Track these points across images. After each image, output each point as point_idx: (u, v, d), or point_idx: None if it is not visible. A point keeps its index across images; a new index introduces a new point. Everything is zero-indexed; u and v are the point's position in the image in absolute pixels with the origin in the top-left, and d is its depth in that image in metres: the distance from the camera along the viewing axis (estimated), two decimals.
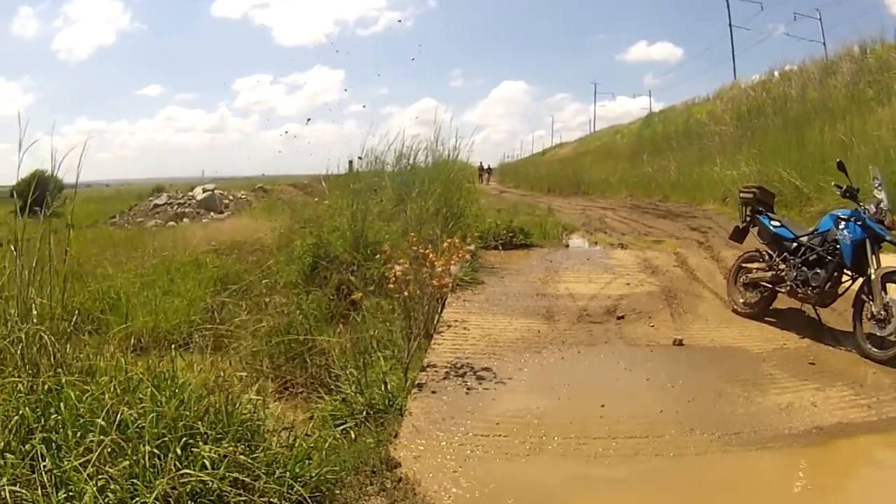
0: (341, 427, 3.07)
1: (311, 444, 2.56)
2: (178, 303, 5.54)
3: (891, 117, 12.91)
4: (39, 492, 1.78)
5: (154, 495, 1.83)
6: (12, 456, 1.91)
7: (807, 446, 3.46)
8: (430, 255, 4.31)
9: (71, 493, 1.80)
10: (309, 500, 2.27)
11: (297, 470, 2.34)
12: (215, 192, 16.69)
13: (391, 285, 4.21)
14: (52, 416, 2.09)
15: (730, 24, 34.34)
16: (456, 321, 5.14)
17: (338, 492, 2.45)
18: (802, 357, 4.90)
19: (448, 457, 3.02)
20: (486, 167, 38.81)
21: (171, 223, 12.30)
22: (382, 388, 3.53)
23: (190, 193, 16.93)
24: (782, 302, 5.86)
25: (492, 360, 4.32)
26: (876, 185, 5.41)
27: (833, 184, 5.86)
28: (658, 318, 5.66)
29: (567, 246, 9.99)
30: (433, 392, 3.74)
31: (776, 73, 23.52)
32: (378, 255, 5.25)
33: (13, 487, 1.81)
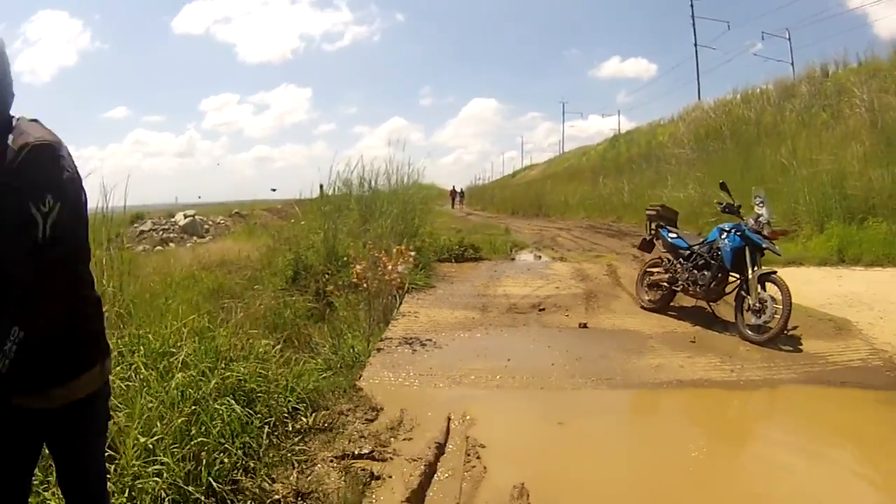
0: (323, 375, 4.37)
1: (302, 371, 3.92)
2: (186, 305, 6.73)
3: (834, 141, 13.67)
4: (146, 373, 3.04)
5: (211, 385, 3.13)
6: (120, 367, 3.16)
7: (664, 389, 4.57)
8: (384, 258, 5.75)
9: (163, 377, 3.08)
10: (303, 402, 3.62)
11: (294, 382, 3.69)
12: (196, 217, 17.78)
13: (354, 279, 5.63)
14: (140, 351, 3.35)
15: (695, 44, 33.61)
16: (409, 312, 6.50)
17: (320, 400, 3.79)
18: (686, 337, 5.99)
19: (392, 385, 4.40)
20: (458, 190, 38.74)
21: (159, 247, 13.25)
22: (351, 351, 4.88)
23: (172, 219, 17.81)
24: (689, 301, 6.96)
25: (433, 335, 5.68)
26: (757, 202, 6.36)
27: (715, 201, 7.03)
28: (574, 311, 6.88)
29: (513, 259, 11.28)
30: (387, 353, 5.11)
31: (738, 95, 23.66)
32: (348, 264, 6.47)
33: (128, 382, 3.07)
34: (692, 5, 33.17)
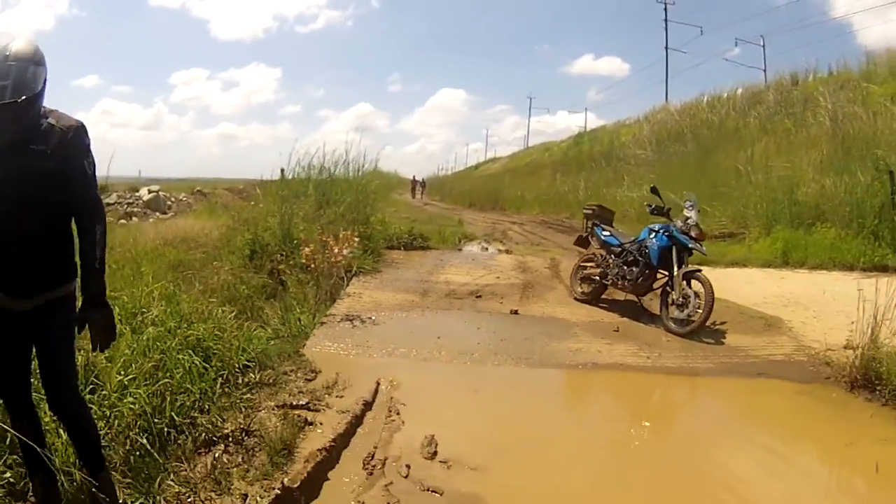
0: (272, 341, 4.96)
1: (253, 336, 4.54)
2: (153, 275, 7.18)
3: (793, 148, 14.01)
4: (122, 327, 3.60)
5: (174, 342, 3.72)
6: None
7: (577, 370, 5.10)
8: (331, 242, 6.39)
9: (135, 332, 3.65)
10: (252, 361, 4.24)
11: (245, 344, 4.30)
12: (160, 193, 18.02)
13: (304, 260, 6.25)
14: (116, 310, 3.90)
15: (666, 47, 33.99)
16: (355, 293, 7.13)
17: (268, 361, 4.41)
18: (611, 327, 6.42)
19: (331, 354, 5.05)
20: (419, 180, 38.40)
21: (123, 221, 13.50)
22: (298, 324, 5.50)
23: (137, 194, 18.01)
24: (622, 295, 7.38)
25: (374, 314, 6.32)
26: (687, 206, 6.72)
27: (645, 204, 7.52)
28: (509, 299, 7.41)
29: (460, 250, 11.88)
30: (330, 327, 5.75)
31: (705, 99, 23.94)
32: (300, 246, 7.01)
33: None
34: (665, 8, 33.61)
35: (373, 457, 3.31)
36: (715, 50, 75.71)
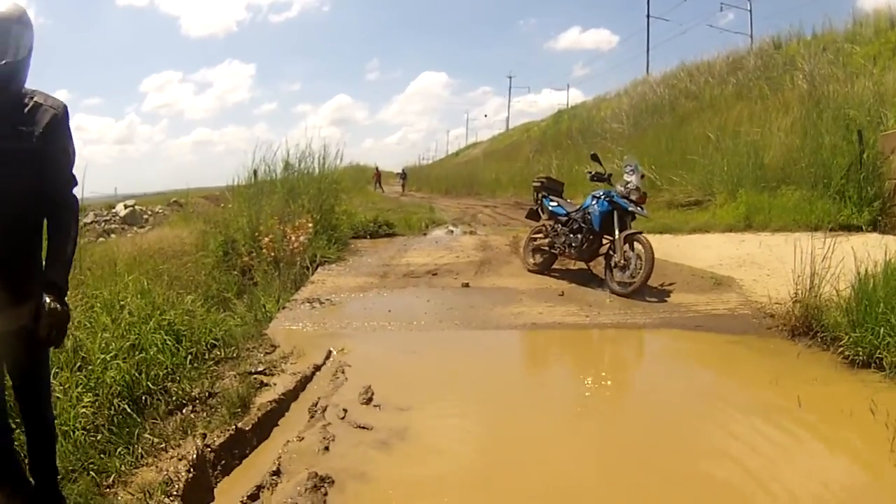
0: (237, 326, 5.64)
1: (220, 320, 5.24)
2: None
3: (766, 113, 14.09)
4: (103, 317, 4.26)
5: (151, 325, 4.39)
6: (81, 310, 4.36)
7: (516, 330, 5.65)
8: (288, 230, 7.09)
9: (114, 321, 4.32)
10: (219, 341, 4.94)
11: (212, 327, 5.00)
12: (136, 207, 18.59)
13: (264, 249, 6.95)
14: (96, 306, 4.57)
15: (647, 15, 33.98)
16: (318, 280, 7.79)
17: (233, 341, 5.11)
18: (557, 292, 6.87)
19: (291, 332, 5.73)
20: (401, 172, 37.84)
21: (102, 238, 13.97)
22: (263, 310, 6.19)
23: (113, 210, 18.54)
24: (579, 265, 7.83)
25: (333, 296, 6.99)
26: (627, 170, 7.03)
27: (586, 171, 8.02)
28: (464, 275, 7.95)
29: (425, 235, 12.45)
30: (291, 310, 6.44)
31: (685, 68, 23.73)
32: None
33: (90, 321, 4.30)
34: None
35: (316, 405, 4.02)
36: (700, 16, 74.13)
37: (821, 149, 10.10)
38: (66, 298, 2.09)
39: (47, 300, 2.01)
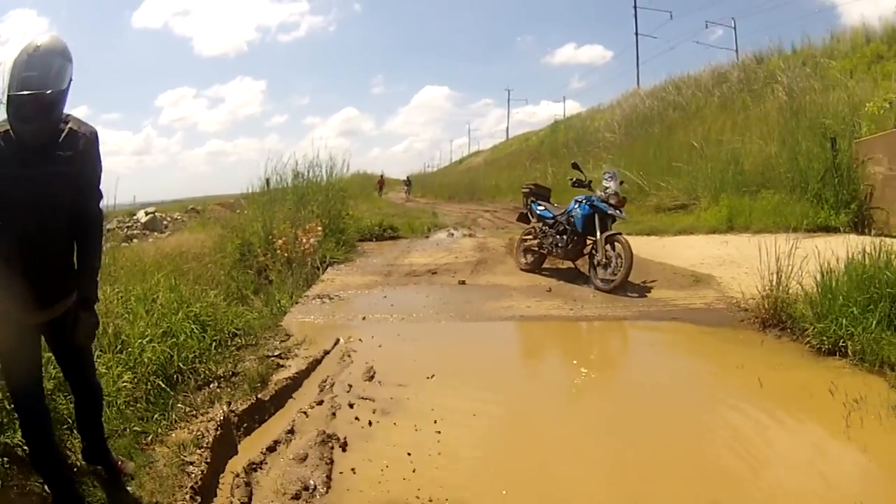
0: (256, 318, 6.23)
1: (240, 313, 5.85)
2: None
3: (747, 123, 14.90)
4: (138, 308, 4.87)
5: (180, 316, 4.99)
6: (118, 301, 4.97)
7: (505, 321, 6.20)
8: (300, 234, 7.71)
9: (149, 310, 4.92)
10: (240, 330, 5.54)
11: (235, 318, 5.61)
12: (156, 214, 19.33)
13: (278, 251, 7.56)
14: (131, 299, 5.17)
15: (636, 33, 35.27)
16: (327, 279, 8.41)
17: (251, 331, 5.71)
18: (545, 288, 7.38)
19: (304, 323, 6.35)
20: (406, 179, 38.31)
21: (125, 244, 14.57)
22: (278, 305, 6.80)
23: (134, 217, 19.29)
24: (567, 264, 8.27)
25: (342, 293, 7.60)
26: (606, 177, 7.54)
27: (568, 178, 8.44)
28: (461, 273, 8.48)
29: (427, 237, 12.97)
30: (303, 304, 7.06)
31: (673, 82, 24.70)
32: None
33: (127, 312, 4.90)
34: None
35: (325, 382, 4.62)
36: (687, 33, 75.39)
37: (798, 155, 10.50)
38: (97, 303, 2.57)
39: (82, 316, 2.46)
